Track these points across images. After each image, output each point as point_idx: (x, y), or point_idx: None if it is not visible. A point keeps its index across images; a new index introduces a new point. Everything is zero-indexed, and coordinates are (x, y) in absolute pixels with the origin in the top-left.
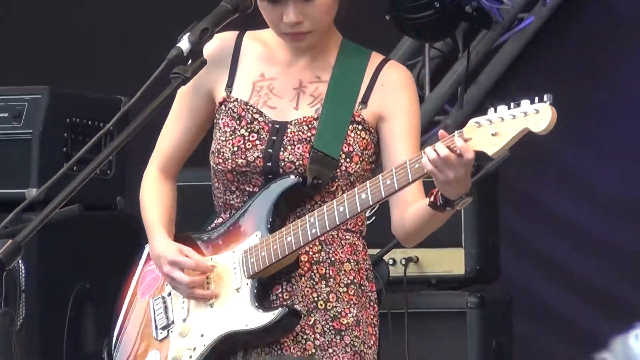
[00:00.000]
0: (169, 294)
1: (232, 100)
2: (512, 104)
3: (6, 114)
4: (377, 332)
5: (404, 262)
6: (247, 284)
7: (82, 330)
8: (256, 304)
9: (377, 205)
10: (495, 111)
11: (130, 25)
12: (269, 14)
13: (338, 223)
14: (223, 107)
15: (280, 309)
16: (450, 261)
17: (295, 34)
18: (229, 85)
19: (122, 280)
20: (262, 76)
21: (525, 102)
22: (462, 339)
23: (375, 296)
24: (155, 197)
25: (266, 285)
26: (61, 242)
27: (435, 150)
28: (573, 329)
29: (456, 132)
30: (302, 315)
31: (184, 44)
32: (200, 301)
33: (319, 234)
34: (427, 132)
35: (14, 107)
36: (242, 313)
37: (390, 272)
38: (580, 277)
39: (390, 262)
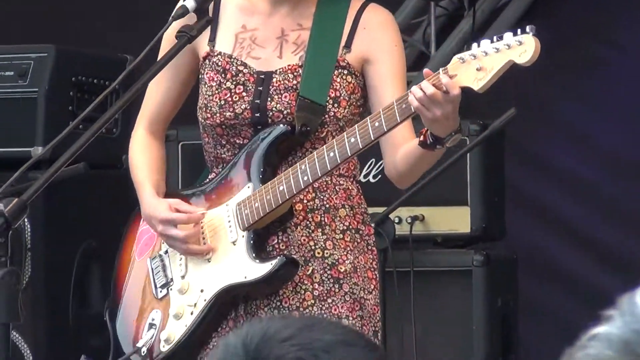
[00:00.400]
0: (166, 252)
1: (215, 54)
2: (495, 37)
3: (12, 73)
4: (378, 275)
5: (409, 221)
6: (243, 236)
7: (88, 289)
8: (253, 255)
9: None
10: (479, 46)
11: None
12: None
13: (329, 169)
14: (207, 61)
15: (277, 258)
16: (456, 219)
17: None
18: (212, 40)
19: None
20: (243, 28)
21: (508, 35)
22: (467, 297)
23: (373, 240)
24: (143, 157)
25: (262, 236)
26: (67, 201)
27: (421, 89)
28: (579, 286)
29: (441, 69)
30: (300, 265)
31: (189, 2)
32: (198, 257)
33: (310, 181)
34: None
35: (19, 66)
36: (239, 265)
37: (396, 230)
38: (587, 234)
39: (396, 220)
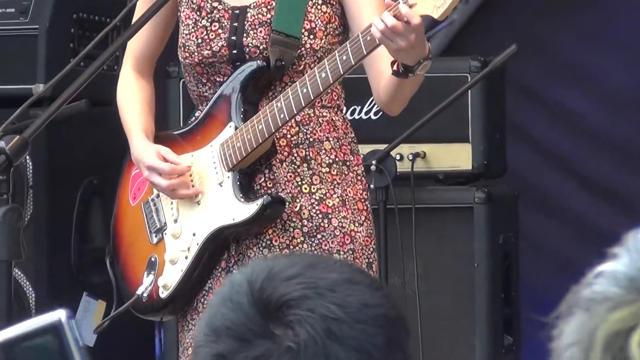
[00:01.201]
0: (158, 196)
1: None
2: None
3: (12, 10)
4: (369, 206)
5: (411, 158)
6: (229, 177)
7: (90, 226)
8: (240, 196)
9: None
10: None
11: None
12: None
13: (304, 105)
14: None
15: (263, 197)
16: (457, 156)
17: None
18: None
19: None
20: None
21: None
22: (469, 234)
23: (362, 169)
24: (131, 96)
25: (248, 176)
26: (68, 138)
27: (382, 21)
28: (581, 224)
29: None
30: (287, 202)
31: None
32: (188, 200)
33: (287, 119)
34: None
35: (20, 3)
36: (227, 207)
37: (397, 167)
38: (588, 171)
39: (398, 157)
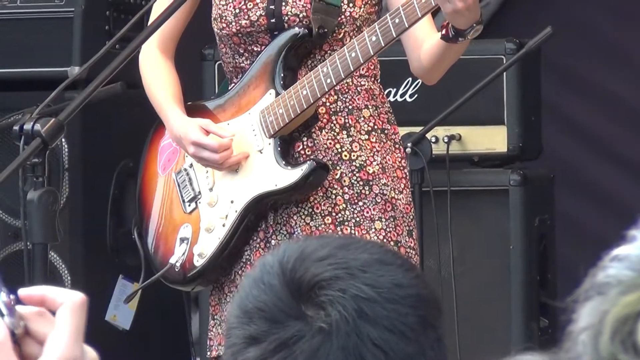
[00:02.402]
0: (191, 165)
1: None
2: None
3: None
4: (407, 174)
5: (446, 140)
6: (270, 144)
7: (125, 209)
8: (283, 162)
9: (419, 82)
10: None
11: None
12: None
13: (352, 69)
14: None
15: (307, 163)
16: (492, 139)
17: None
18: None
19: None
20: None
21: None
22: (504, 217)
23: (399, 138)
24: (161, 75)
25: (288, 142)
26: (104, 121)
27: None
28: (617, 205)
29: None
30: (329, 169)
31: None
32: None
33: (334, 84)
34: None
35: None
36: (269, 173)
37: (432, 150)
38: (625, 153)
39: (433, 140)
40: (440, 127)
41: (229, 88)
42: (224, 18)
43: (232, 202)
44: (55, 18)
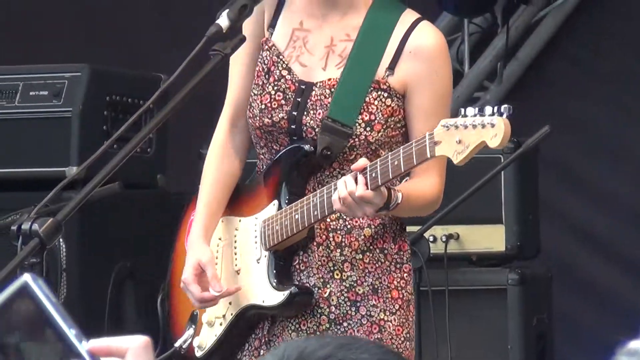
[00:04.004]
0: None
1: (270, 44)
2: (477, 109)
3: (46, 92)
4: (405, 294)
5: (444, 239)
6: (265, 256)
7: (123, 309)
8: (272, 280)
9: None
10: (465, 115)
11: (170, 2)
12: None
13: (329, 212)
14: (262, 48)
15: (290, 289)
16: (490, 238)
17: None
18: (272, 26)
19: (163, 258)
20: (300, 25)
21: (488, 109)
22: (503, 316)
23: (407, 256)
24: (211, 170)
25: (284, 258)
26: (102, 221)
27: (342, 191)
28: (615, 304)
29: (427, 133)
30: (317, 288)
31: (223, 20)
32: (230, 266)
33: (319, 218)
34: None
35: (53, 85)
36: (260, 288)
37: (430, 249)
38: (622, 252)
39: (431, 239)
40: (438, 226)
41: (255, 172)
42: (252, 109)
43: (230, 303)
44: (53, 118)
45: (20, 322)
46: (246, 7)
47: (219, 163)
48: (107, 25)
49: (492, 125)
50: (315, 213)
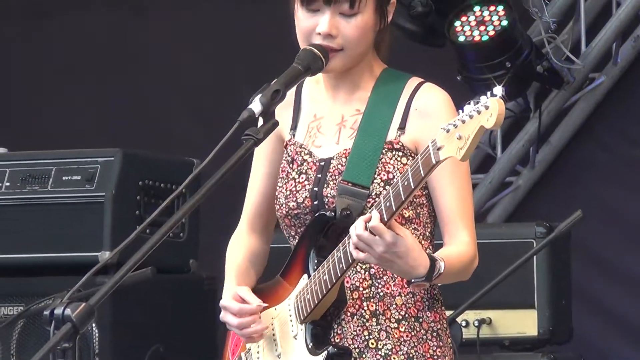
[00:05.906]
0: (248, 351)
1: (292, 143)
2: (473, 101)
3: (79, 177)
4: None
5: (476, 324)
6: (302, 330)
7: None
8: (310, 347)
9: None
10: (462, 111)
11: (202, 88)
12: (304, 22)
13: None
14: (286, 150)
15: (327, 350)
16: (523, 322)
17: (325, 47)
18: (293, 128)
19: (195, 342)
20: (314, 117)
21: (482, 98)
22: None
23: (443, 325)
24: (233, 252)
25: (322, 327)
26: (134, 306)
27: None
28: None
29: (430, 142)
30: (353, 356)
31: (256, 105)
32: (271, 355)
33: (345, 269)
34: (499, 194)
35: (86, 170)
36: (300, 358)
37: (463, 333)
38: None
39: (463, 323)
40: (471, 311)
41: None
42: (278, 199)
43: None
44: (86, 202)
45: None
46: (279, 92)
47: (240, 244)
48: (140, 110)
49: (487, 107)
50: (341, 266)
